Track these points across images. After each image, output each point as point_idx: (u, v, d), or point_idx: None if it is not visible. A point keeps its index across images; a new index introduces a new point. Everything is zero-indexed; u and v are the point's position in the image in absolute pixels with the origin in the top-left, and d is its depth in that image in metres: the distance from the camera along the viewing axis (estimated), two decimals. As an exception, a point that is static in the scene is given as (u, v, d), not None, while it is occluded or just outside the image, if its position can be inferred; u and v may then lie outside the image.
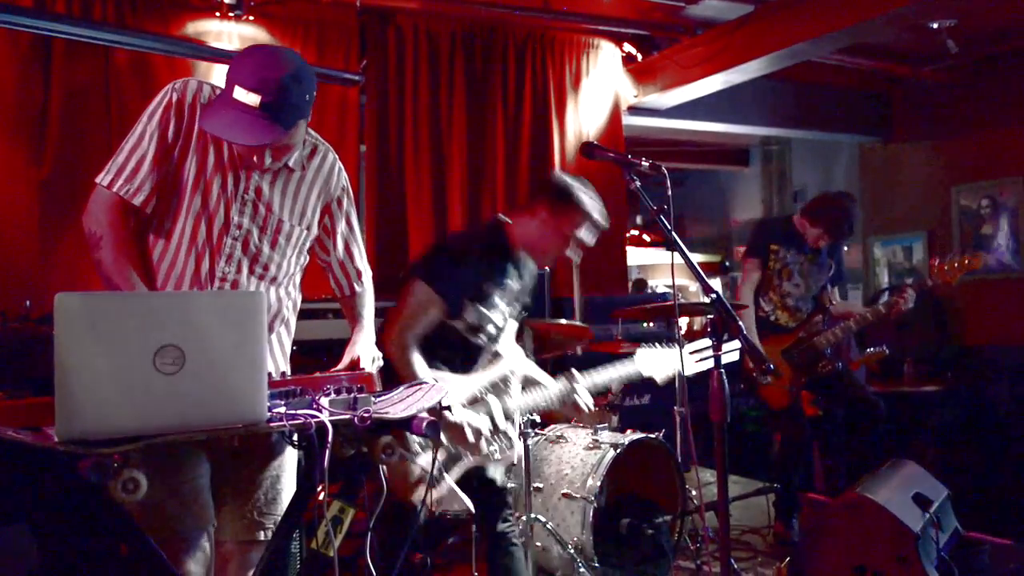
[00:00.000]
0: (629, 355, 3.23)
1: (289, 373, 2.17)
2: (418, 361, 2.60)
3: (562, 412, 3.00)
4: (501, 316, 2.81)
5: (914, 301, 4.09)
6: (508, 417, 2.77)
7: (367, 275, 2.41)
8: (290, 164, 2.12)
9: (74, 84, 4.48)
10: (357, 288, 2.38)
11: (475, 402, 2.71)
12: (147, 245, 2.05)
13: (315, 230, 2.23)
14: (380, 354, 2.25)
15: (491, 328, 2.78)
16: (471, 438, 2.57)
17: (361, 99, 5.29)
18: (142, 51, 4.54)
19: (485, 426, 2.63)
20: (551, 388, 2.95)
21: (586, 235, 2.82)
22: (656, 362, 3.20)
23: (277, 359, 2.19)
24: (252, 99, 1.87)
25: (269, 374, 1.67)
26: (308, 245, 2.24)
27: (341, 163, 2.30)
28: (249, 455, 2.04)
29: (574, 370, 2.99)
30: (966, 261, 4.04)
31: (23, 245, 4.33)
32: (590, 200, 2.79)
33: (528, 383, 2.96)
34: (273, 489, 2.07)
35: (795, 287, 4.31)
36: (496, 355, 2.87)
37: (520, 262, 2.88)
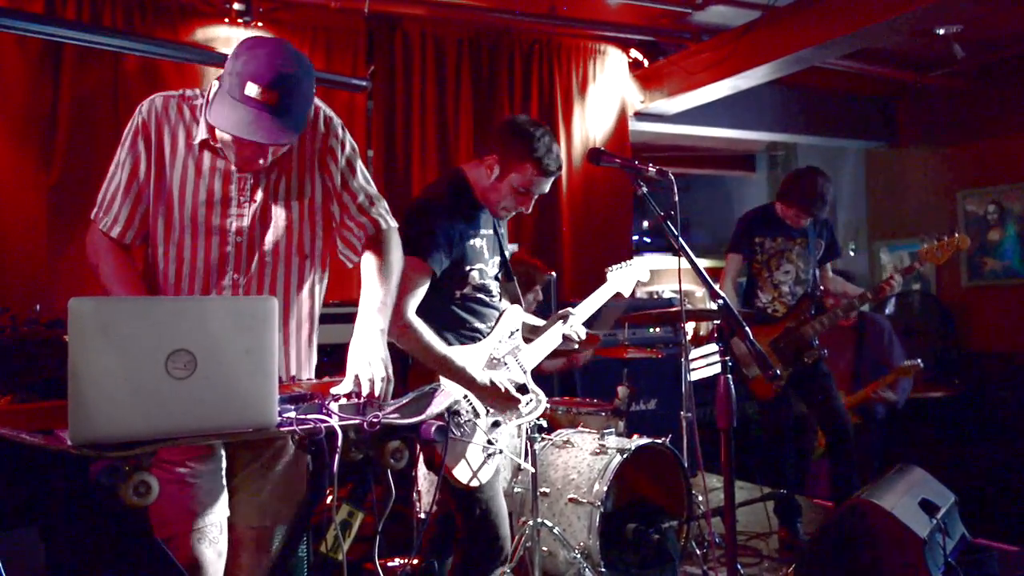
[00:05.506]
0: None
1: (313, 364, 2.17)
2: (430, 336, 2.50)
3: (562, 347, 3.05)
4: (493, 267, 2.77)
5: (901, 285, 4.11)
6: (524, 371, 2.82)
7: (382, 226, 2.14)
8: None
9: (83, 90, 4.52)
10: (370, 231, 2.12)
11: (491, 365, 2.71)
12: (154, 275, 2.01)
13: (318, 198, 2.10)
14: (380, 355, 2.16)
15: (492, 284, 2.75)
16: (511, 391, 2.58)
17: (368, 105, 5.32)
18: (151, 57, 4.56)
19: (511, 383, 2.64)
20: (551, 331, 2.97)
21: (536, 182, 2.66)
22: (623, 279, 3.35)
23: (301, 355, 2.15)
24: (269, 96, 1.80)
25: (280, 378, 1.67)
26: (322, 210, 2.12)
27: (328, 113, 2.10)
28: (261, 447, 2.05)
29: (568, 308, 3.06)
30: (955, 241, 4.06)
31: (32, 249, 4.36)
32: (540, 144, 2.61)
33: (529, 331, 2.98)
34: (285, 479, 2.08)
35: (785, 274, 4.26)
36: (500, 313, 2.85)
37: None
